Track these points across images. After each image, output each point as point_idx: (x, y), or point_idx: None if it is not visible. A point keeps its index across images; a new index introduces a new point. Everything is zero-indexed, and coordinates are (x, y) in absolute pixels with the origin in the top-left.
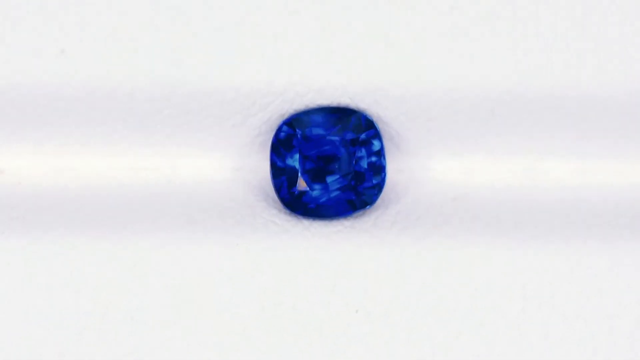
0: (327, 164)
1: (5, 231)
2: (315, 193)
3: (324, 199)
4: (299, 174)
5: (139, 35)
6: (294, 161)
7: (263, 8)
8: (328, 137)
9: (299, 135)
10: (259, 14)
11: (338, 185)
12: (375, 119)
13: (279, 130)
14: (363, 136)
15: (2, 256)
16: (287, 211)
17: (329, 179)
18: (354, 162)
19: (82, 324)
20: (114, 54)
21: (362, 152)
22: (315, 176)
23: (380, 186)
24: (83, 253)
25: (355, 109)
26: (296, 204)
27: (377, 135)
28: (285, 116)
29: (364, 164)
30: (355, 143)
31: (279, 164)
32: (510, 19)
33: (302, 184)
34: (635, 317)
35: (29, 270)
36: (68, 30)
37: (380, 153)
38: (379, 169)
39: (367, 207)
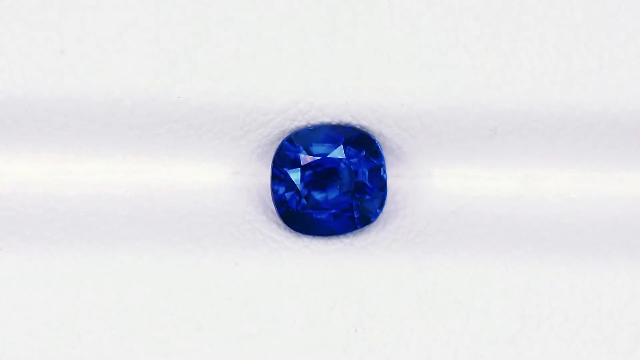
0: (328, 180)
1: (2, 242)
2: (315, 209)
3: (324, 216)
4: (300, 190)
5: (140, 51)
6: (295, 177)
7: (266, 25)
8: (329, 154)
9: (300, 151)
10: (262, 32)
11: (339, 202)
12: (376, 136)
13: (280, 146)
14: (364, 152)
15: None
16: (287, 227)
17: (330, 195)
18: (355, 178)
19: (80, 336)
20: (115, 69)
21: (363, 168)
22: (316, 192)
23: (381, 202)
24: (79, 267)
25: (357, 126)
26: (296, 220)
27: (378, 151)
28: (287, 132)
29: (365, 180)
30: (357, 159)
31: (280, 180)
32: (512, 37)
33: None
34: (634, 335)
35: (26, 282)
36: (69, 44)
37: (382, 169)
38: (380, 185)
39: (368, 224)
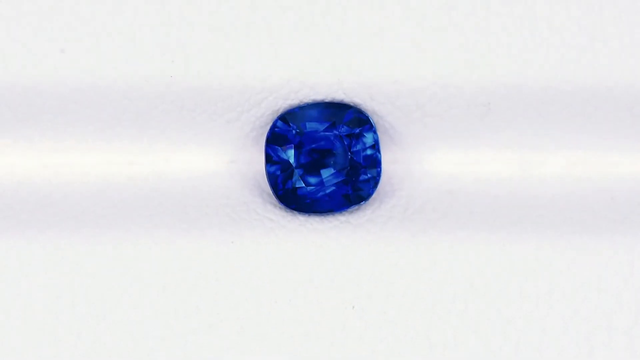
0: (322, 158)
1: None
2: (310, 188)
3: (319, 194)
4: (294, 169)
5: (133, 34)
6: (289, 156)
7: (256, 5)
8: (323, 132)
9: (293, 130)
10: (253, 11)
11: (333, 180)
12: (370, 114)
13: (274, 125)
14: (358, 130)
15: None
16: (283, 206)
17: (324, 174)
18: (349, 156)
19: (78, 322)
20: (108, 52)
21: (357, 146)
22: (311, 171)
23: (376, 180)
24: (77, 252)
25: (350, 103)
26: (291, 199)
27: (371, 129)
28: (280, 112)
29: (360, 158)
30: (350, 137)
31: (274, 159)
32: (505, 13)
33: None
34: (632, 313)
35: (24, 269)
36: (63, 30)
37: (376, 147)
38: (374, 163)
39: (363, 202)
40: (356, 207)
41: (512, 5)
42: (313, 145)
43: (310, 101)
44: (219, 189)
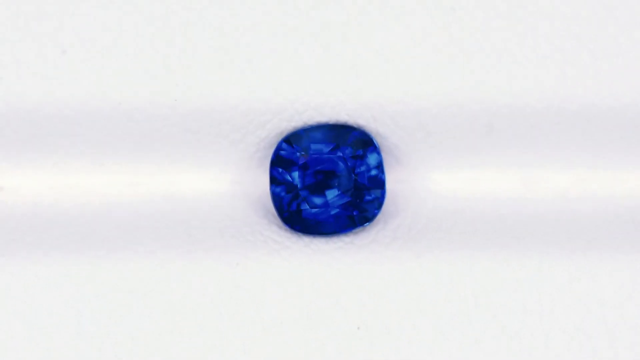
0: (327, 180)
1: (5, 252)
2: (315, 209)
3: (324, 215)
4: (299, 191)
5: (137, 56)
6: (294, 178)
7: (260, 27)
8: (327, 153)
9: (298, 152)
10: (256, 33)
11: (338, 201)
12: (373, 135)
13: (278, 147)
14: (362, 151)
15: (2, 278)
16: (287, 228)
17: (329, 195)
18: (353, 177)
19: (83, 343)
20: (113, 74)
21: (362, 168)
22: (315, 192)
23: (380, 201)
24: (82, 273)
25: (354, 125)
26: (296, 220)
27: (375, 150)
28: (284, 134)
29: (364, 179)
30: (355, 158)
31: (279, 180)
32: (507, 32)
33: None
34: (635, 329)
35: (29, 291)
36: (68, 52)
37: (380, 168)
38: (378, 184)
39: (367, 223)
40: (361, 227)
41: (514, 24)
42: (318, 167)
43: (314, 123)
44: (224, 210)
